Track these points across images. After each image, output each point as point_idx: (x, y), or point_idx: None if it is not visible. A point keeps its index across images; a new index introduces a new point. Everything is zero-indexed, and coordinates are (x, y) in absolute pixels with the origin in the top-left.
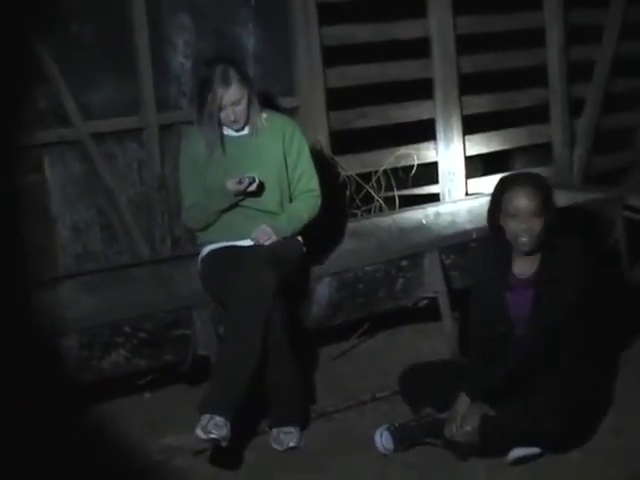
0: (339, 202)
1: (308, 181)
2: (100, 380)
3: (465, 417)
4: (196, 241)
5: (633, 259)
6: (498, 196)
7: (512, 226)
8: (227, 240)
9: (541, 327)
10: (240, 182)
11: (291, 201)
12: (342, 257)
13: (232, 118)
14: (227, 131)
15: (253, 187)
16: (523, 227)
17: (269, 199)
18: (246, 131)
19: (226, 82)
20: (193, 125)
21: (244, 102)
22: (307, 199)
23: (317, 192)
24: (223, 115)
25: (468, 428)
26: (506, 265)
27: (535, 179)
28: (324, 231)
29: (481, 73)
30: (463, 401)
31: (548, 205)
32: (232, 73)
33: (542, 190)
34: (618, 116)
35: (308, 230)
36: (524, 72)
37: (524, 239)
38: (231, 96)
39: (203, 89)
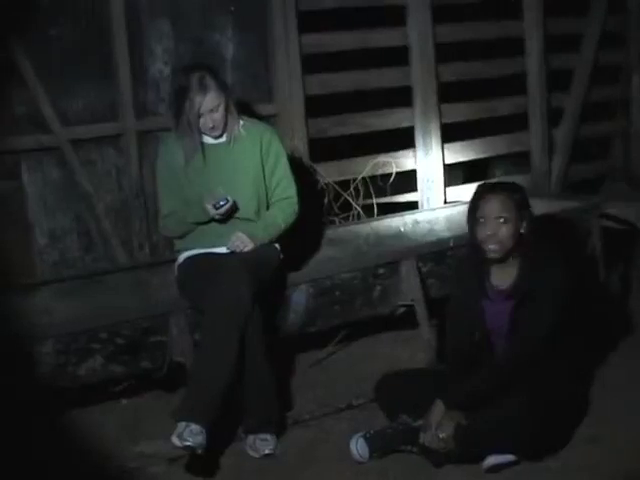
0: (317, 209)
1: (285, 188)
2: (76, 386)
3: (440, 424)
4: (173, 247)
5: (609, 267)
6: (472, 204)
7: (480, 232)
8: (204, 247)
9: (520, 347)
10: (215, 207)
11: (268, 208)
12: (319, 264)
13: (210, 125)
14: (205, 139)
15: (226, 208)
16: (488, 233)
17: (246, 206)
18: (224, 138)
19: (203, 89)
20: (171, 132)
21: (222, 109)
22: (284, 206)
23: (294, 199)
24: (201, 122)
25: (443, 435)
26: (484, 274)
27: (507, 187)
28: (302, 238)
29: (460, 81)
30: (439, 408)
31: (520, 214)
32: (209, 80)
33: (513, 198)
34: (596, 125)
35: (286, 237)
36: (503, 80)
37: (490, 245)
38: (209, 103)
39: (180, 97)
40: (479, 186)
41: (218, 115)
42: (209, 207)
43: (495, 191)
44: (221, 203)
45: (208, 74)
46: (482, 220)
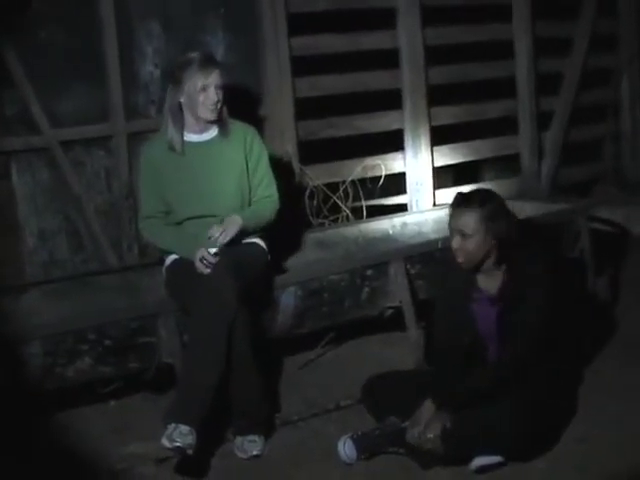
0: (306, 211)
1: (266, 187)
2: (64, 387)
3: (428, 424)
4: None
5: (598, 269)
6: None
7: (451, 244)
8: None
9: (514, 350)
10: (201, 261)
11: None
12: (308, 266)
13: (215, 99)
14: (190, 137)
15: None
16: (454, 247)
17: (230, 206)
18: (212, 134)
19: (211, 62)
20: (158, 132)
21: (222, 93)
22: (265, 204)
23: (275, 197)
24: (203, 97)
25: (430, 435)
26: (471, 278)
27: (476, 200)
28: (290, 240)
29: (450, 84)
30: (428, 407)
31: (488, 226)
32: (214, 59)
33: (480, 211)
34: (586, 128)
35: (273, 238)
36: (493, 84)
37: (458, 258)
38: (216, 77)
39: (177, 79)
40: (454, 197)
41: (221, 95)
42: (198, 259)
43: (461, 206)
44: (210, 257)
45: (212, 56)
46: (450, 233)
